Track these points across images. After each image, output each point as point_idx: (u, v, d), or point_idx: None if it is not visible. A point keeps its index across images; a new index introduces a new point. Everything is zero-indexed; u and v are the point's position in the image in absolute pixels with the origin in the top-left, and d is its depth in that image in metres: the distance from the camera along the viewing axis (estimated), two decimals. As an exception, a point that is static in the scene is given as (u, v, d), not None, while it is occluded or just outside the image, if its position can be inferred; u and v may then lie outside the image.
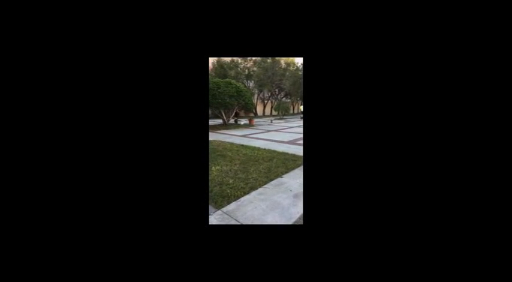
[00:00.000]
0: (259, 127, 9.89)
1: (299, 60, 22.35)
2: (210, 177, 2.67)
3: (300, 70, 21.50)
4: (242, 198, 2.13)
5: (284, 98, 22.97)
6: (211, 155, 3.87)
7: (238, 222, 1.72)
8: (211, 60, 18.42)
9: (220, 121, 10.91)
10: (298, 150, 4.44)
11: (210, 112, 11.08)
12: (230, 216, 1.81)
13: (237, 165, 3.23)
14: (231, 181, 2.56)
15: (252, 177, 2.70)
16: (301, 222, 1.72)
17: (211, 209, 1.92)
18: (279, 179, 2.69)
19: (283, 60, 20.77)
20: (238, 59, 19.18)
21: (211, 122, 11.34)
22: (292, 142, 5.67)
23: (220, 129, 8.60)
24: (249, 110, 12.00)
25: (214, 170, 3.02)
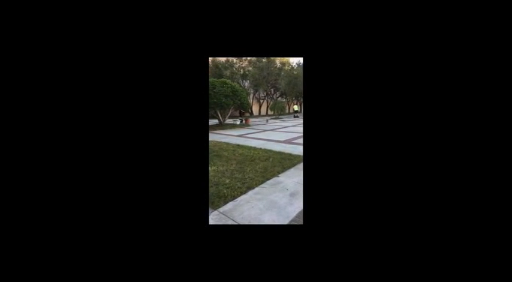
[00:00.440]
0: (255, 127, 9.89)
1: (294, 60, 22.46)
2: (206, 178, 2.65)
3: (294, 70, 21.62)
4: (239, 198, 2.13)
5: (280, 98, 23.02)
6: (207, 156, 3.84)
7: (235, 222, 1.71)
8: (206, 60, 18.26)
9: (216, 121, 10.87)
10: (294, 150, 4.46)
11: (205, 112, 11.01)
12: (227, 216, 1.81)
13: (234, 165, 3.23)
14: (227, 181, 2.55)
15: (249, 177, 2.70)
16: (297, 220, 1.73)
17: (208, 209, 1.91)
18: (275, 178, 2.70)
19: (278, 60, 20.80)
20: (233, 59, 19.12)
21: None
22: (288, 141, 5.69)
23: (216, 129, 8.57)
24: (244, 109, 12.02)
25: (210, 170, 3.00)
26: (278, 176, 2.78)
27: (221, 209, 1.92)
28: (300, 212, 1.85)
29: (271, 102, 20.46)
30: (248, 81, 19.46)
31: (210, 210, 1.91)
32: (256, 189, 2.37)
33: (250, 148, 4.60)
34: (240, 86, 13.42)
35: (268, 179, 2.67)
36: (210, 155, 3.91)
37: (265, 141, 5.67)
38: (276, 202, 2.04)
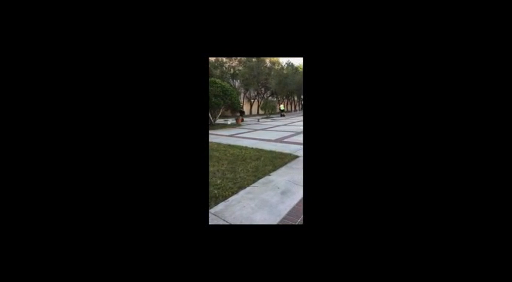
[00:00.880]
0: (246, 126, 9.87)
1: (283, 60, 22.62)
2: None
3: (284, 69, 21.78)
4: (230, 198, 2.12)
5: (270, 97, 23.11)
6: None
7: (227, 222, 1.71)
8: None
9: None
10: (285, 148, 4.49)
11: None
12: (218, 217, 1.79)
13: (225, 166, 3.21)
14: (218, 181, 2.53)
15: (240, 177, 2.69)
16: (289, 218, 1.74)
17: (198, 210, 1.89)
18: (267, 177, 2.71)
19: (268, 60, 20.85)
20: (223, 58, 18.99)
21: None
22: (279, 140, 5.72)
23: (206, 130, 8.48)
24: (235, 109, 11.98)
25: (201, 171, 2.97)
26: (270, 175, 2.79)
27: (212, 210, 1.90)
28: (291, 210, 1.86)
29: (262, 102, 20.53)
30: (238, 80, 19.40)
31: (201, 211, 1.89)
32: (248, 188, 2.36)
33: (241, 148, 4.59)
34: (231, 85, 13.35)
35: (259, 178, 2.67)
36: (200, 156, 3.87)
37: (257, 141, 5.67)
38: (268, 201, 2.05)
